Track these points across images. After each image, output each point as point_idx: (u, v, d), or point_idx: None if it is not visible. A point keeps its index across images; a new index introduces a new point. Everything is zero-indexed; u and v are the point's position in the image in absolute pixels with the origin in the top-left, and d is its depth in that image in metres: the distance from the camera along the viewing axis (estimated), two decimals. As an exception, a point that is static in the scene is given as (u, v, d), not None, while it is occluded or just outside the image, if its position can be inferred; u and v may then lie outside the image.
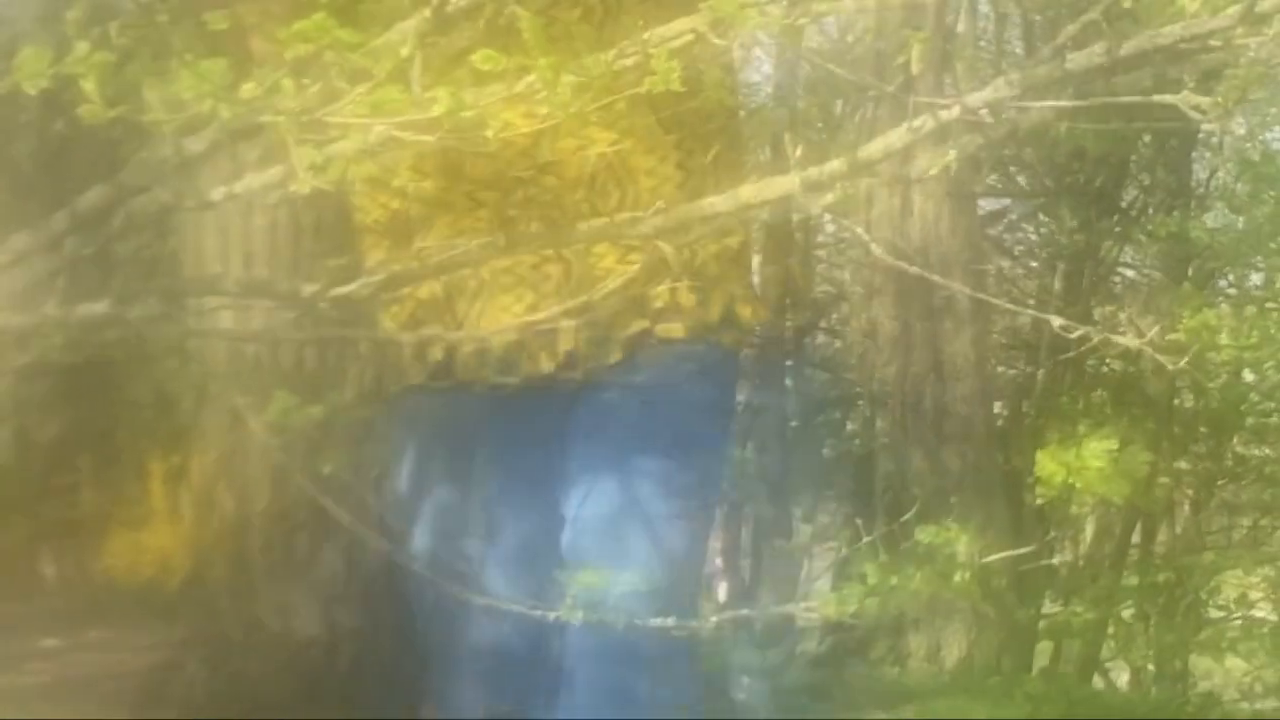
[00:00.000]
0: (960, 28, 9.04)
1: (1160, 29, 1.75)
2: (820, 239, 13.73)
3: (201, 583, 4.48)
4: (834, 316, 14.25)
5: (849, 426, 14.19)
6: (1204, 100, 1.79)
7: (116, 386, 8.06)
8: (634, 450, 2.48)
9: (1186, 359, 2.01)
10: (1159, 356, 1.96)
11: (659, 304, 2.45)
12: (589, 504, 2.50)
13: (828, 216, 12.38)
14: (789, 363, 12.13)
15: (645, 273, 2.08)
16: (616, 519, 2.44)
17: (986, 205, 11.99)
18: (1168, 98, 1.82)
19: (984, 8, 10.46)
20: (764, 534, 11.20)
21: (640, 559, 2.41)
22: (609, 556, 2.37)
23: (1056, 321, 1.94)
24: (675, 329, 2.50)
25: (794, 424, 12.67)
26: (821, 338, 14.58)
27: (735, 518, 13.31)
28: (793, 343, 12.07)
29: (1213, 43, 1.77)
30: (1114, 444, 1.98)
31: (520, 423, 2.55)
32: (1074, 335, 1.90)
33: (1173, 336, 2.03)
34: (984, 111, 1.84)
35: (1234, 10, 1.72)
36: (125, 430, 8.49)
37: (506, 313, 2.45)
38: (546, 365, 2.48)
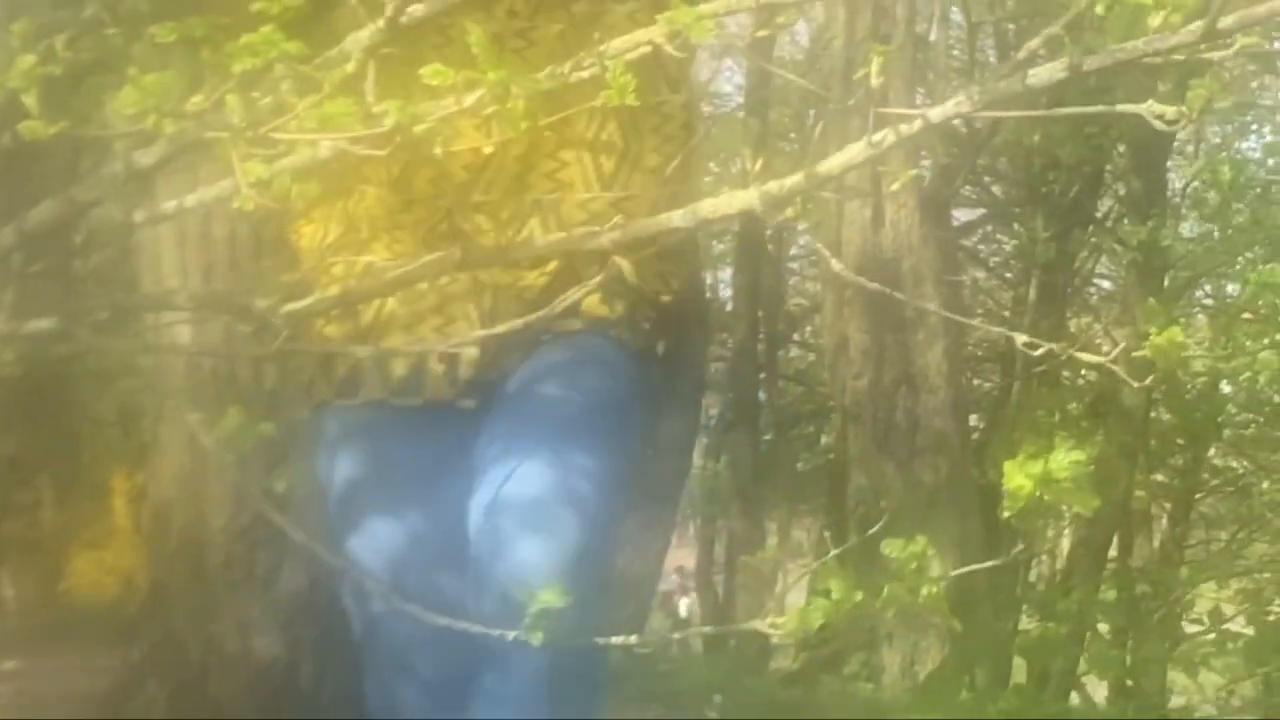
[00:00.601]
0: (933, 36, 9.05)
1: (1124, 44, 1.75)
2: (794, 251, 13.78)
3: (161, 602, 4.45)
4: (808, 329, 14.30)
5: (823, 440, 14.23)
6: (1169, 109, 1.78)
7: (78, 404, 8.04)
8: (529, 438, 2.46)
9: (1151, 378, 2.00)
10: (1124, 375, 1.95)
11: (559, 307, 2.44)
12: (486, 495, 2.49)
13: (801, 227, 12.43)
14: (762, 375, 12.16)
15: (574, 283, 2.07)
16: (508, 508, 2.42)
17: (961, 216, 12.04)
18: (1132, 107, 1.82)
19: (957, 16, 10.49)
20: (737, 549, 11.22)
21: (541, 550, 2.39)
22: (510, 547, 2.36)
23: (1020, 339, 1.93)
24: (573, 323, 2.48)
25: (767, 437, 12.69)
26: (795, 350, 14.63)
27: (709, 532, 13.33)
28: (766, 355, 12.10)
29: (1176, 57, 1.77)
30: (1082, 455, 1.98)
31: (429, 434, 2.54)
32: (1037, 353, 1.90)
33: (1139, 353, 2.02)
34: (957, 122, 1.85)
35: (1196, 26, 1.72)
36: (88, 448, 8.46)
37: (409, 332, 2.44)
38: (447, 392, 2.48)
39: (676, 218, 1.94)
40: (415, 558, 2.50)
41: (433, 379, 2.50)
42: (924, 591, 2.14)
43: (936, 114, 1.79)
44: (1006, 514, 2.03)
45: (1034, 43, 1.74)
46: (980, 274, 12.63)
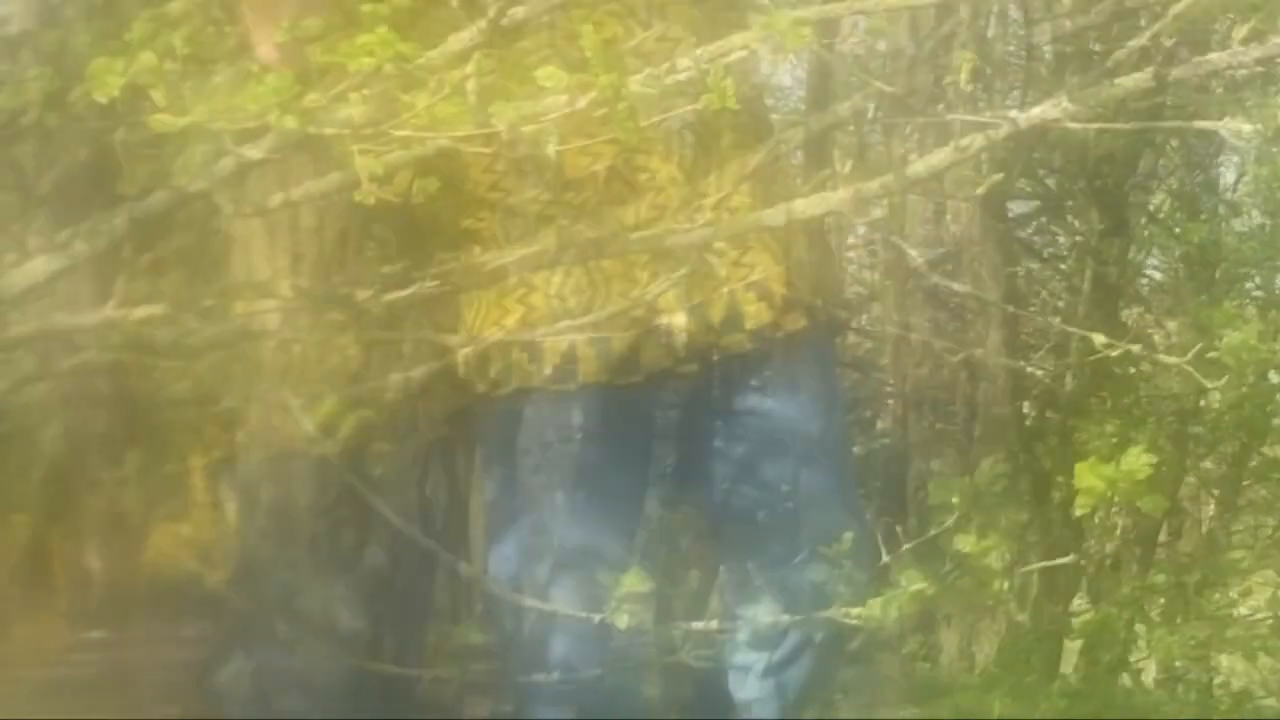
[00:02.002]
0: (990, 33, 9.01)
1: (1207, 55, 1.75)
2: (851, 240, 13.73)
3: (249, 577, 4.50)
4: (864, 317, 14.24)
5: (879, 425, 14.19)
6: (1245, 127, 1.79)
7: (159, 384, 8.08)
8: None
9: (1225, 379, 2.01)
10: (1198, 375, 1.96)
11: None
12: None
13: (861, 219, 12.34)
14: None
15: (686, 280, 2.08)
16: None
17: (1016, 208, 11.98)
18: (1211, 124, 1.82)
19: (1014, 13, 10.42)
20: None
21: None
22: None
23: (1099, 339, 1.94)
24: (799, 318, 2.58)
25: (825, 422, 12.64)
26: (853, 337, 14.59)
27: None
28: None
29: (1258, 69, 1.78)
30: (1154, 458, 1.98)
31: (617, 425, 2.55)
32: (1115, 353, 1.91)
33: (1212, 355, 2.03)
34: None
35: (1280, 40, 1.72)
36: (170, 426, 8.52)
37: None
38: (666, 360, 2.50)
39: (768, 216, 1.95)
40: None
41: (650, 351, 2.51)
42: (995, 585, 2.15)
43: (1025, 119, 1.80)
44: (1079, 512, 2.04)
45: (1122, 53, 1.74)
46: (1034, 265, 12.56)
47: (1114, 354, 1.95)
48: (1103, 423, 8.78)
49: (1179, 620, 7.99)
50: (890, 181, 1.86)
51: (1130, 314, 11.77)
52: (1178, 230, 10.15)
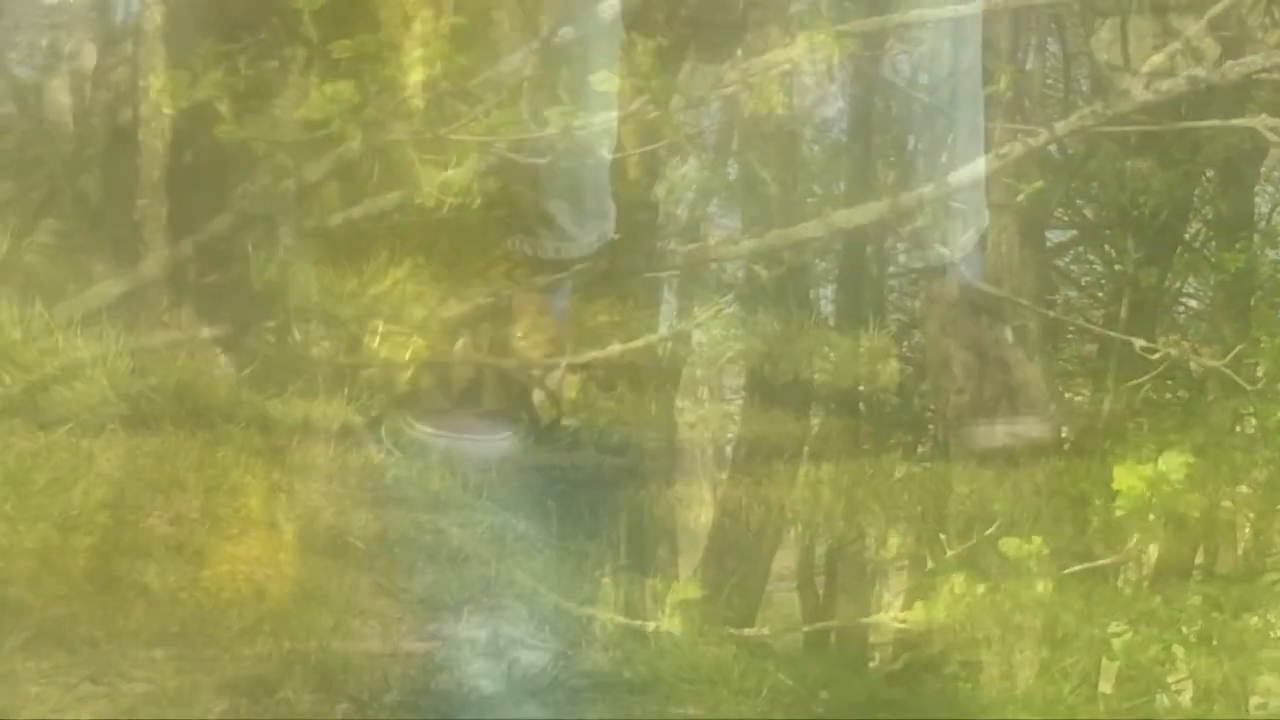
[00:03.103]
0: (1029, 66, 9.02)
1: (1241, 59, 1.76)
2: (892, 269, 13.73)
3: (308, 597, 4.52)
4: (905, 344, 14.23)
5: (919, 449, 14.15)
6: (1280, 123, 1.79)
7: (216, 404, 8.13)
8: None
9: (1263, 381, 2.01)
10: (1237, 379, 1.96)
11: None
12: None
13: (900, 247, 12.35)
14: (861, 387, 12.09)
15: None
16: None
17: (1053, 236, 11.97)
18: (1245, 121, 1.83)
19: (1052, 47, 10.43)
20: (837, 552, 11.15)
21: None
22: None
23: (1139, 343, 1.94)
24: None
25: (865, 447, 12.62)
26: (893, 363, 14.55)
27: (809, 536, 13.28)
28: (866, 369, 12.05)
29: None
30: (1190, 458, 1.98)
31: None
32: (1155, 356, 1.90)
33: (1251, 360, 2.03)
34: (1052, 148, 1.86)
35: (1313, 41, 1.73)
36: (227, 446, 8.56)
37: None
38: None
39: (811, 227, 1.96)
40: None
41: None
42: (1039, 587, 2.15)
43: (1062, 126, 1.81)
44: (1119, 513, 2.03)
45: (1158, 57, 1.74)
46: (1072, 293, 12.57)
47: (1154, 356, 1.96)
48: (1140, 448, 8.76)
49: (1215, 642, 7.96)
50: (933, 190, 1.87)
51: (1166, 341, 11.74)
52: (1214, 259, 10.16)
